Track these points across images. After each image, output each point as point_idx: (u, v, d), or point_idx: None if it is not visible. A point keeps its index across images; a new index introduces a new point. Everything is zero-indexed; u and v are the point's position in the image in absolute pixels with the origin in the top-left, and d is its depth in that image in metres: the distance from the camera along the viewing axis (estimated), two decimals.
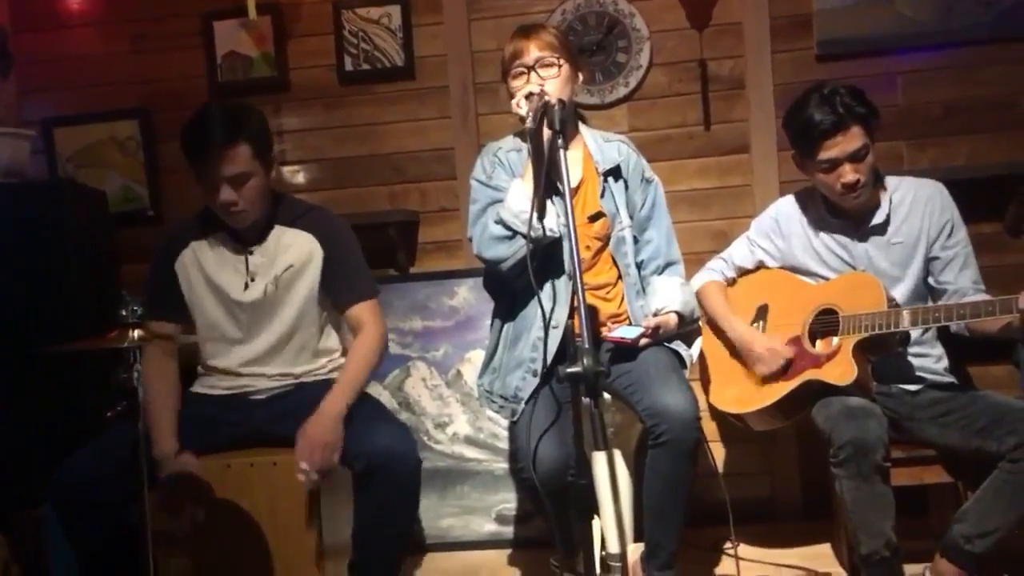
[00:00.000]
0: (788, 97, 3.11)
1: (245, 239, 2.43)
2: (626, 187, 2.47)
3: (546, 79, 2.33)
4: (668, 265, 2.52)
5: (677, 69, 3.25)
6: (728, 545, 2.84)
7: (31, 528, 2.59)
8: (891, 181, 2.55)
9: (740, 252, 2.72)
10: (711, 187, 3.26)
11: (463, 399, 3.22)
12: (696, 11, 3.22)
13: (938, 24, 3.10)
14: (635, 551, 2.38)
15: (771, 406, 2.47)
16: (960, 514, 2.29)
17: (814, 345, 2.48)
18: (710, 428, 3.13)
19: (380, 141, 3.38)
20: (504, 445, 3.18)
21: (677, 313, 2.41)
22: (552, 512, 2.23)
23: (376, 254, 3.12)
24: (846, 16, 3.13)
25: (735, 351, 2.61)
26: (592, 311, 2.38)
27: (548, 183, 2.11)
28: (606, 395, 2.40)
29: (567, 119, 2.15)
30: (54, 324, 2.84)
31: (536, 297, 2.25)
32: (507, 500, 3.17)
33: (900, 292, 2.46)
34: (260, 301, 2.40)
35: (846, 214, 2.53)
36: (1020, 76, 3.11)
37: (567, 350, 2.23)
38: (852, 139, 2.39)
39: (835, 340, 2.43)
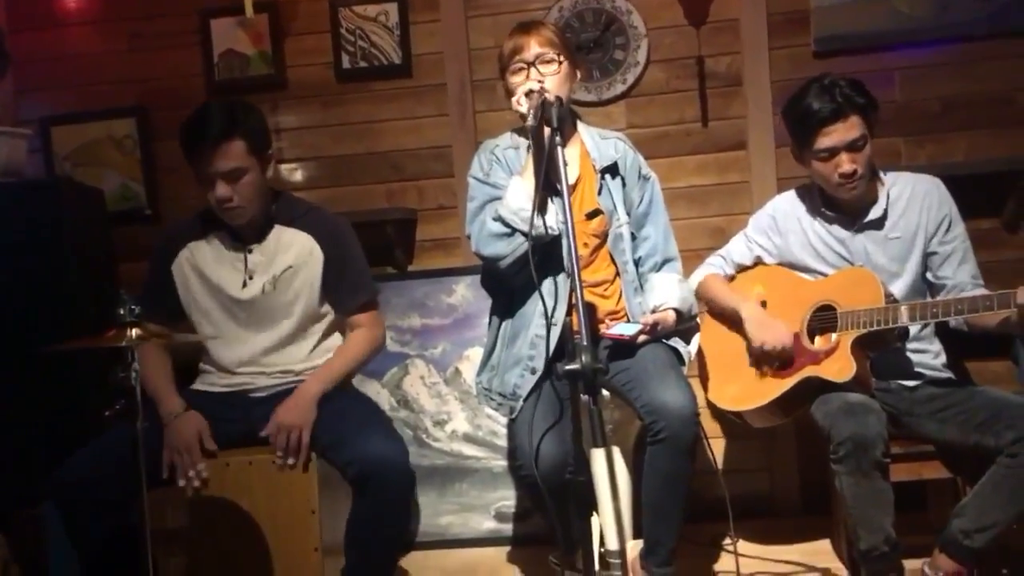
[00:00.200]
0: (786, 93, 3.11)
1: (245, 238, 2.43)
2: (623, 184, 2.47)
3: (546, 75, 2.32)
4: (666, 262, 2.52)
5: (674, 66, 3.25)
6: (727, 541, 2.85)
7: (31, 527, 2.59)
8: (888, 176, 2.55)
9: (738, 249, 2.72)
10: (709, 184, 3.26)
11: (462, 397, 3.22)
12: (693, 8, 3.22)
13: (935, 20, 3.10)
14: (634, 548, 2.38)
15: (770, 403, 2.47)
16: (959, 509, 2.29)
17: (812, 342, 2.48)
18: (709, 425, 3.14)
19: (378, 139, 3.38)
20: (503, 443, 3.18)
21: (675, 310, 2.41)
22: (551, 509, 2.23)
23: (374, 252, 3.12)
24: (843, 12, 3.13)
25: (737, 344, 2.60)
26: (590, 308, 2.38)
27: (546, 181, 2.11)
28: (604, 392, 2.40)
29: (564, 117, 2.15)
30: (52, 323, 2.84)
31: (537, 294, 2.25)
32: (506, 498, 3.17)
33: (898, 287, 2.46)
34: (258, 299, 2.40)
35: (843, 209, 2.53)
36: (1017, 72, 3.11)
37: (565, 347, 2.23)
38: (850, 128, 2.39)
39: (833, 336, 2.43)
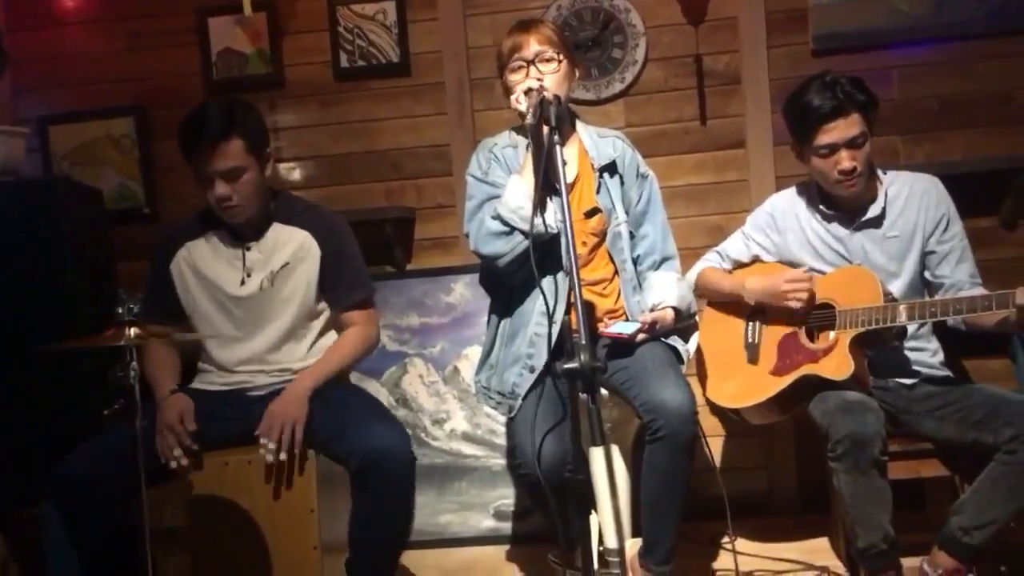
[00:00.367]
0: (784, 92, 3.11)
1: (243, 236, 2.43)
2: (622, 183, 2.48)
3: (545, 74, 2.32)
4: (664, 260, 2.52)
5: (673, 64, 3.25)
6: (726, 539, 2.85)
7: (30, 527, 2.58)
8: (886, 175, 2.55)
9: (735, 246, 2.72)
10: (707, 182, 3.26)
11: (460, 395, 3.22)
12: (691, 6, 3.22)
13: (933, 18, 3.11)
14: (633, 546, 2.38)
15: (768, 400, 2.48)
16: (957, 506, 2.29)
17: (811, 340, 2.48)
18: (708, 423, 3.13)
19: (376, 138, 3.38)
20: (502, 441, 3.18)
21: (673, 308, 2.41)
22: (551, 508, 2.23)
23: (373, 251, 3.12)
24: (842, 11, 3.14)
25: (735, 342, 2.60)
26: (589, 307, 2.39)
27: (545, 179, 2.11)
28: (603, 391, 2.40)
29: (563, 115, 2.15)
30: (50, 322, 2.84)
31: (536, 292, 2.25)
32: (505, 496, 3.17)
33: (896, 286, 2.46)
34: (256, 296, 2.41)
35: (842, 208, 2.53)
36: (1015, 70, 3.12)
37: (564, 346, 2.23)
38: (851, 125, 2.40)
39: (831, 334, 2.43)
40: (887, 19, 3.12)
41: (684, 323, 2.48)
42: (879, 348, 2.43)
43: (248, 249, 2.43)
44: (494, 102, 3.26)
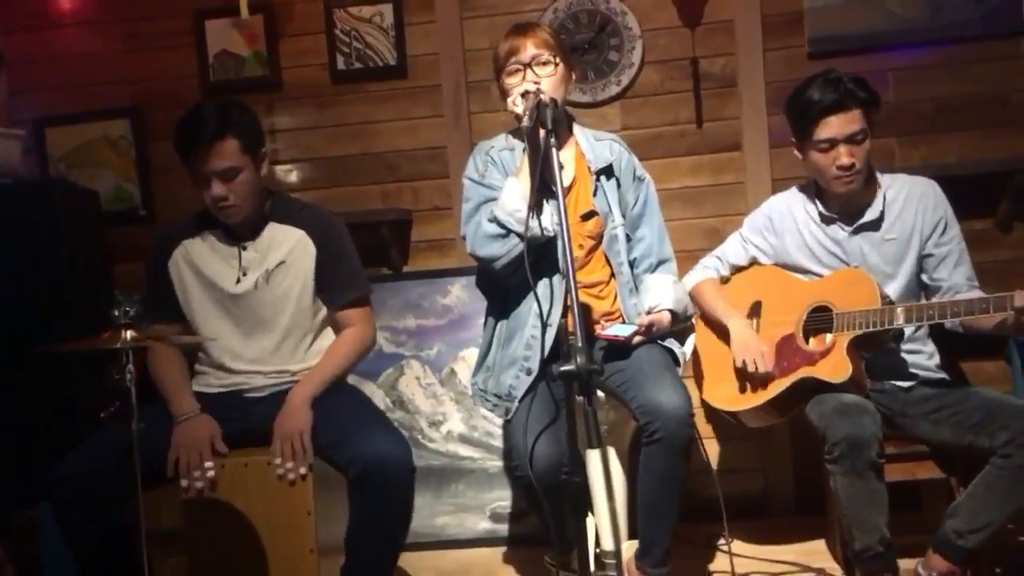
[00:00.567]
0: (780, 95, 3.13)
1: (239, 235, 2.44)
2: (618, 185, 2.48)
3: (542, 77, 2.33)
4: (661, 263, 2.52)
5: (669, 67, 3.26)
6: (722, 541, 2.85)
7: (26, 529, 2.58)
8: (884, 178, 2.56)
9: (733, 249, 2.72)
10: (704, 185, 3.27)
11: (457, 397, 3.22)
12: (688, 9, 3.23)
13: (928, 21, 3.12)
14: (629, 548, 2.38)
15: (765, 404, 2.48)
16: (952, 509, 2.30)
17: (808, 342, 2.48)
18: (704, 425, 3.14)
19: (373, 140, 3.38)
20: (498, 443, 3.18)
21: (670, 311, 2.41)
22: (547, 510, 2.23)
23: (369, 253, 3.12)
24: (837, 13, 3.14)
25: (730, 347, 2.61)
26: (585, 309, 2.39)
27: (542, 182, 2.11)
28: (600, 393, 2.40)
29: (559, 118, 2.16)
30: (47, 324, 2.84)
31: (533, 295, 2.24)
32: (501, 498, 3.17)
33: (893, 289, 2.47)
34: (252, 294, 2.41)
35: (840, 209, 2.53)
36: (1011, 72, 3.12)
37: (561, 348, 2.24)
38: (851, 121, 2.41)
39: (829, 337, 2.43)
40: (883, 22, 3.13)
41: (680, 326, 2.48)
42: (876, 351, 2.43)
43: (244, 248, 2.43)
44: (491, 104, 3.27)
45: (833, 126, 2.41)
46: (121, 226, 3.38)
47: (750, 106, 3.20)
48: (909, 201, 2.51)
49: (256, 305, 2.42)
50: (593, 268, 2.45)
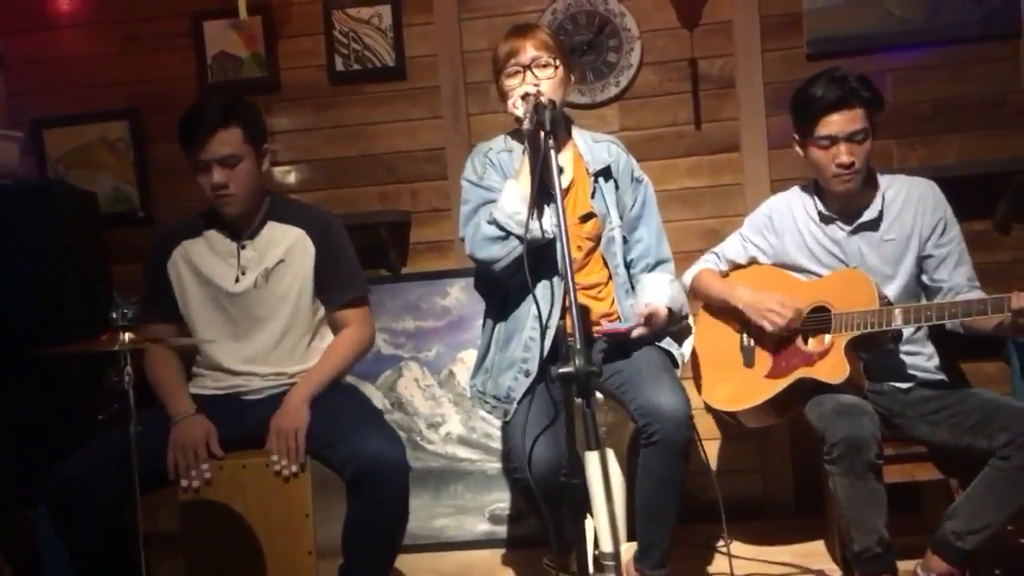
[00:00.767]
0: (779, 96, 3.14)
1: (238, 234, 2.44)
2: (616, 187, 2.48)
3: (541, 79, 2.32)
4: (659, 263, 2.52)
5: (667, 68, 3.26)
6: (721, 543, 2.85)
7: (24, 531, 2.58)
8: (884, 179, 2.56)
9: (733, 247, 2.72)
10: (702, 186, 3.27)
11: (456, 399, 3.22)
12: (686, 10, 3.23)
13: (927, 22, 3.12)
14: (628, 550, 2.38)
15: (763, 404, 2.48)
16: (951, 511, 2.30)
17: (806, 343, 2.48)
18: (703, 426, 3.13)
19: (371, 141, 3.38)
20: (497, 445, 3.18)
21: (667, 308, 2.40)
22: (545, 512, 2.23)
23: (368, 254, 3.11)
24: (836, 15, 3.14)
25: (731, 345, 2.60)
26: (584, 311, 2.38)
27: (540, 184, 2.11)
28: (598, 395, 2.40)
29: (558, 119, 2.16)
30: (45, 326, 2.83)
31: (532, 297, 2.24)
32: (500, 500, 3.17)
33: (891, 289, 2.47)
34: (250, 293, 2.41)
35: (839, 209, 2.53)
36: (1009, 73, 3.12)
37: (559, 350, 2.23)
38: (853, 119, 2.41)
39: (827, 338, 2.43)
40: (881, 23, 3.13)
41: (677, 324, 2.48)
42: (875, 351, 2.43)
43: (243, 248, 2.44)
44: (489, 106, 3.26)
45: (835, 123, 2.41)
46: (119, 228, 3.38)
47: (748, 107, 3.20)
48: (908, 202, 2.52)
49: (254, 304, 2.42)
50: (591, 270, 2.44)
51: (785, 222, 2.62)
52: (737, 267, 2.72)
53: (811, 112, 2.44)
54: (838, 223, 2.54)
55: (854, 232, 2.52)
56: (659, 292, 2.42)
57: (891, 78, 3.16)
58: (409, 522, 2.31)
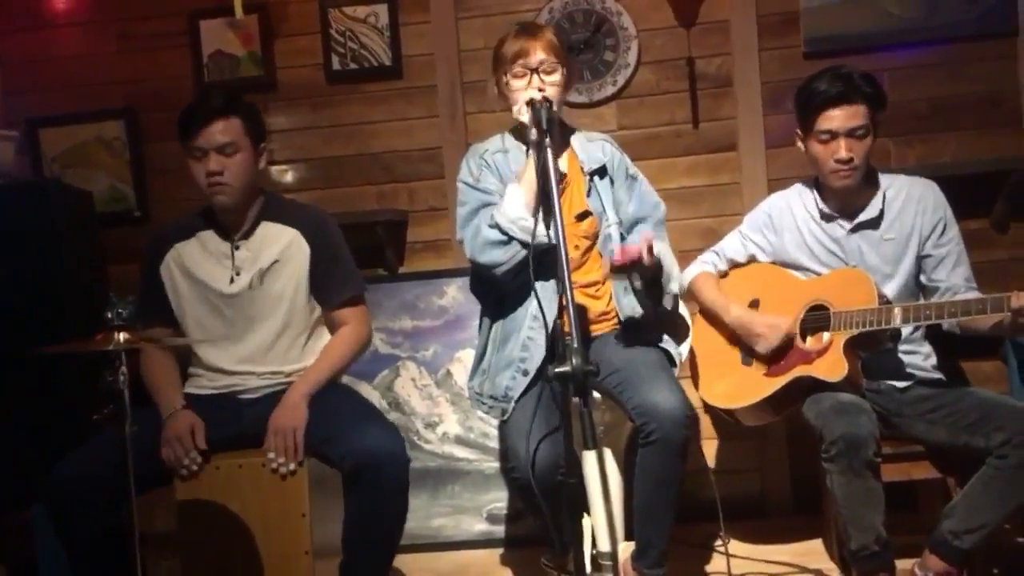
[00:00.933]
0: (776, 95, 3.14)
1: (232, 234, 2.43)
2: (611, 184, 2.47)
3: (547, 85, 2.32)
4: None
5: (665, 67, 3.26)
6: (719, 542, 2.85)
7: (20, 531, 2.57)
8: (884, 178, 2.56)
9: (732, 245, 2.72)
10: (700, 185, 3.26)
11: (453, 399, 3.22)
12: (683, 9, 3.23)
13: (924, 21, 3.12)
14: (626, 549, 2.38)
15: (762, 401, 2.48)
16: (948, 510, 2.30)
17: (805, 341, 2.48)
18: (702, 425, 3.14)
19: (368, 140, 3.37)
20: (494, 444, 3.17)
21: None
22: (544, 511, 2.22)
23: (365, 254, 3.11)
24: (833, 14, 3.14)
25: (729, 343, 2.60)
26: (581, 310, 2.38)
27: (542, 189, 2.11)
28: (596, 394, 2.40)
29: (554, 120, 2.16)
30: (41, 326, 2.82)
31: (528, 297, 2.24)
32: (498, 499, 3.17)
33: (890, 288, 2.47)
34: (245, 295, 2.41)
35: (839, 207, 2.53)
36: (1006, 72, 3.13)
37: (556, 349, 2.23)
38: (854, 115, 2.41)
39: (826, 336, 2.43)
40: (878, 22, 3.13)
41: (661, 279, 2.41)
42: (873, 350, 2.43)
43: (237, 248, 2.43)
44: (486, 105, 3.25)
45: (835, 118, 2.41)
46: (115, 227, 3.37)
47: (746, 106, 3.20)
48: (909, 201, 2.52)
49: (249, 305, 2.41)
50: (589, 268, 2.44)
51: (785, 220, 2.62)
52: (736, 265, 2.71)
53: (813, 106, 2.44)
54: (838, 221, 2.54)
55: (854, 231, 2.52)
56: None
57: (888, 77, 3.15)
58: (407, 521, 2.30)
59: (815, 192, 2.58)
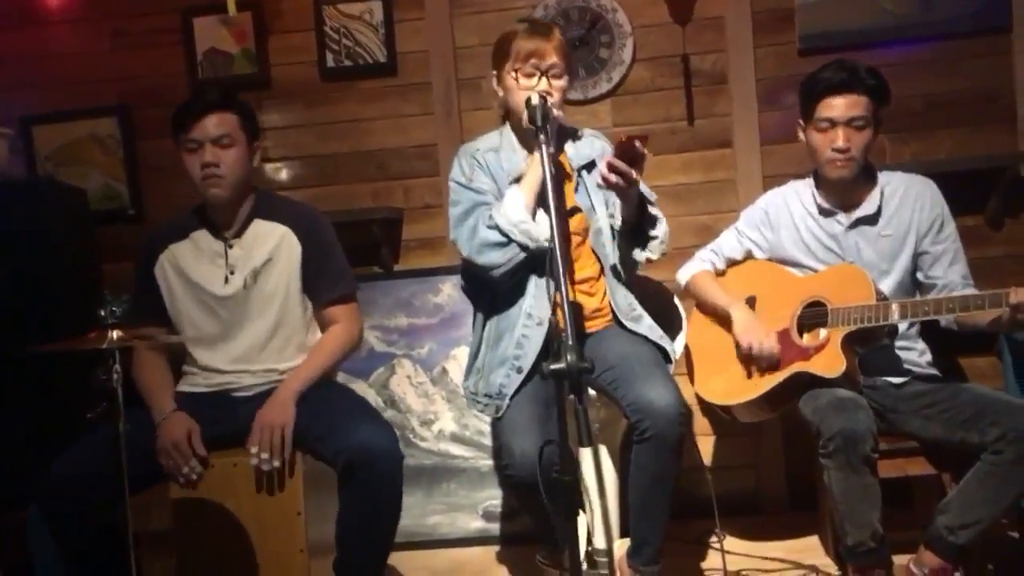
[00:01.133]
0: (771, 91, 3.14)
1: (224, 233, 2.43)
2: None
3: (554, 89, 2.32)
4: None
5: (660, 64, 3.25)
6: (714, 538, 2.85)
7: (14, 531, 2.56)
8: (882, 175, 2.56)
9: (728, 243, 2.72)
10: (695, 182, 3.26)
11: (448, 396, 3.22)
12: (678, 6, 3.22)
13: (919, 17, 3.12)
14: (621, 546, 2.38)
15: (759, 398, 2.48)
16: (943, 505, 2.30)
17: (802, 337, 2.48)
18: (697, 422, 3.14)
19: (363, 138, 3.37)
20: (490, 442, 3.18)
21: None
22: (539, 509, 2.22)
23: (360, 251, 3.12)
24: (828, 10, 3.14)
25: (726, 339, 2.60)
26: (576, 307, 2.38)
27: (542, 189, 2.10)
28: (591, 391, 2.39)
29: (548, 116, 2.15)
30: (35, 324, 2.82)
31: (521, 295, 2.23)
32: (493, 497, 3.17)
33: (887, 285, 2.47)
34: (240, 295, 2.40)
35: (838, 201, 2.53)
36: (1001, 69, 3.12)
37: (550, 346, 2.23)
38: (854, 105, 2.42)
39: (823, 332, 2.43)
40: (873, 18, 3.13)
41: (649, 219, 2.39)
42: (871, 346, 2.43)
43: (230, 247, 2.43)
44: (481, 102, 3.26)
45: (835, 107, 2.42)
46: (110, 225, 3.37)
47: (741, 103, 3.20)
48: (906, 198, 2.52)
49: (244, 305, 2.41)
50: (583, 264, 2.43)
51: (781, 217, 2.62)
52: (733, 263, 2.71)
53: (815, 93, 2.45)
54: (836, 217, 2.53)
55: (852, 227, 2.52)
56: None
57: (883, 73, 3.14)
58: (402, 519, 2.30)
59: (813, 187, 2.58)
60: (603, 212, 2.44)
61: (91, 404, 1.99)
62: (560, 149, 2.46)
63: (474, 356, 2.47)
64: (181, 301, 2.43)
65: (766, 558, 2.73)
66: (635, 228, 2.37)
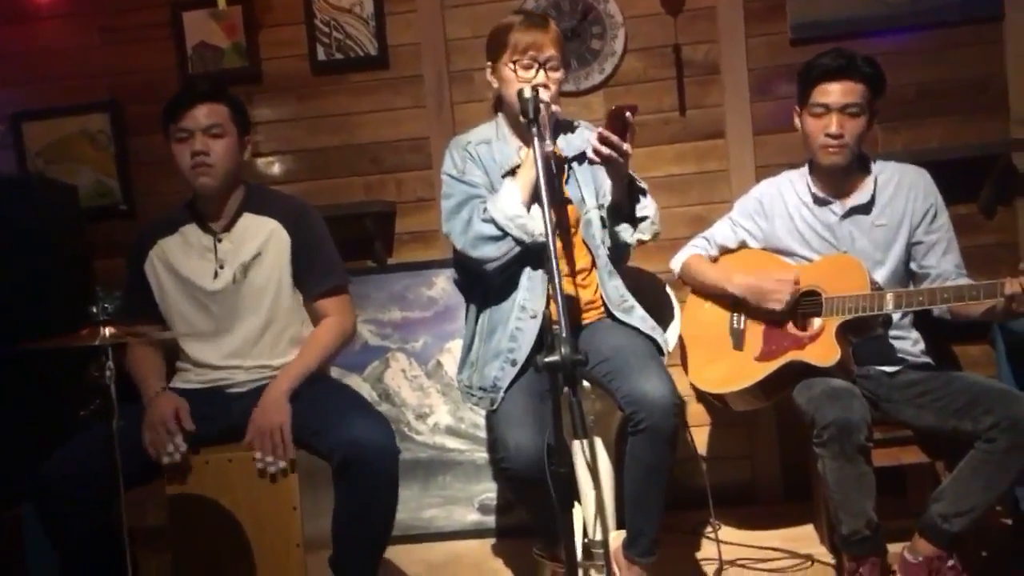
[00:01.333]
0: (763, 81, 3.14)
1: (214, 226, 2.42)
2: (590, 168, 2.45)
3: (551, 82, 2.32)
4: None
5: (652, 55, 3.25)
6: (709, 529, 2.86)
7: (9, 529, 2.56)
8: (876, 164, 2.57)
9: (722, 231, 2.71)
10: (687, 172, 3.26)
11: (443, 389, 3.22)
12: None
13: (910, 6, 3.11)
14: (617, 538, 2.38)
15: (753, 386, 2.48)
16: (937, 494, 2.31)
17: (797, 326, 2.48)
18: (691, 412, 3.15)
19: (355, 131, 3.36)
20: (485, 435, 3.17)
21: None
22: (535, 501, 2.22)
23: (353, 245, 3.11)
24: None
25: (718, 328, 2.60)
26: (569, 300, 2.38)
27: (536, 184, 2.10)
28: (585, 383, 2.40)
29: (540, 108, 2.15)
30: (26, 321, 2.80)
31: (515, 288, 2.22)
32: (489, 490, 3.17)
33: (881, 275, 2.47)
34: (230, 290, 2.40)
35: (832, 190, 2.53)
36: (992, 57, 3.12)
37: (544, 339, 2.22)
38: (850, 92, 2.43)
39: (818, 321, 2.44)
40: (865, 7, 3.13)
41: (636, 194, 2.39)
42: (865, 336, 2.44)
43: (219, 241, 2.42)
44: (473, 95, 3.25)
45: (831, 92, 2.43)
46: (101, 221, 3.36)
47: (733, 93, 3.20)
48: (900, 188, 2.52)
49: (234, 300, 2.40)
50: (576, 255, 2.43)
51: (776, 206, 2.62)
52: (727, 251, 2.71)
53: (812, 78, 2.46)
54: (830, 207, 2.54)
55: (846, 216, 2.52)
56: None
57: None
58: (398, 513, 2.30)
59: (807, 176, 2.58)
60: (593, 203, 2.43)
61: (84, 401, 1.98)
62: (553, 139, 2.45)
63: (467, 349, 2.47)
64: (172, 297, 2.43)
65: (761, 548, 2.74)
66: (627, 213, 2.37)
